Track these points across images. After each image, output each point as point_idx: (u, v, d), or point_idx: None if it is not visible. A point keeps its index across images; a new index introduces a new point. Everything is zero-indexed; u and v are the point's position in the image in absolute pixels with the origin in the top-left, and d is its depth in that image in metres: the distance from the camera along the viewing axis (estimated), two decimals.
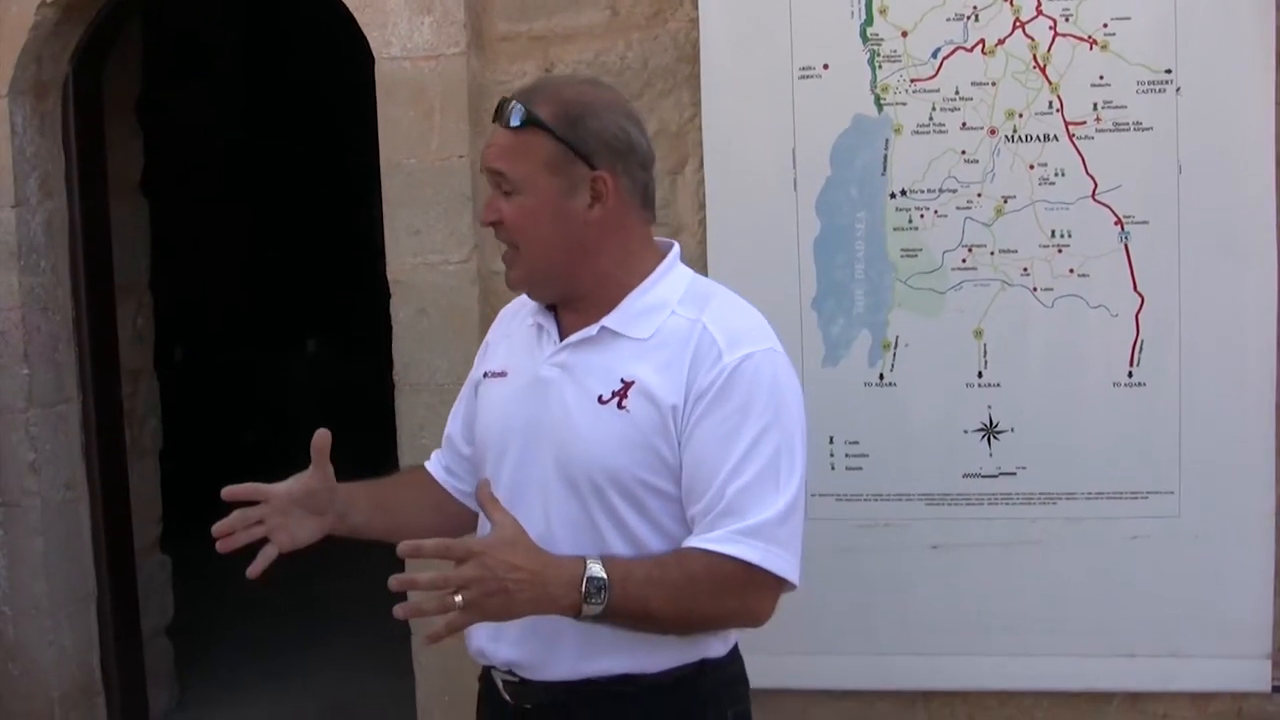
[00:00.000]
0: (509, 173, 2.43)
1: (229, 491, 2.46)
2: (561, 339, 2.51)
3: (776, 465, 2.36)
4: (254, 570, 2.48)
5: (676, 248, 2.59)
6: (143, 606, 5.30)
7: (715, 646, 2.50)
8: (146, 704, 5.28)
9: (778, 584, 2.38)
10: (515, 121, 2.42)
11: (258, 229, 10.59)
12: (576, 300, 2.50)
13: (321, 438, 2.50)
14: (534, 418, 2.46)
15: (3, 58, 4.51)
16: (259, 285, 10.63)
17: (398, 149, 4.11)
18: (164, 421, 5.83)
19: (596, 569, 2.24)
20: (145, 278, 5.68)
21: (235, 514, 2.49)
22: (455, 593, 2.14)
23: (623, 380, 2.40)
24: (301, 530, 2.54)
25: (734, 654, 2.57)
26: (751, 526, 2.31)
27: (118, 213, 5.23)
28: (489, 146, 2.47)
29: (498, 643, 2.49)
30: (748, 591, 2.36)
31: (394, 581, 2.17)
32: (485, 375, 2.65)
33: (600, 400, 2.40)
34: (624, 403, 2.38)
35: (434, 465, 2.85)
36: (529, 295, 2.55)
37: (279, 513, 2.51)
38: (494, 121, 2.47)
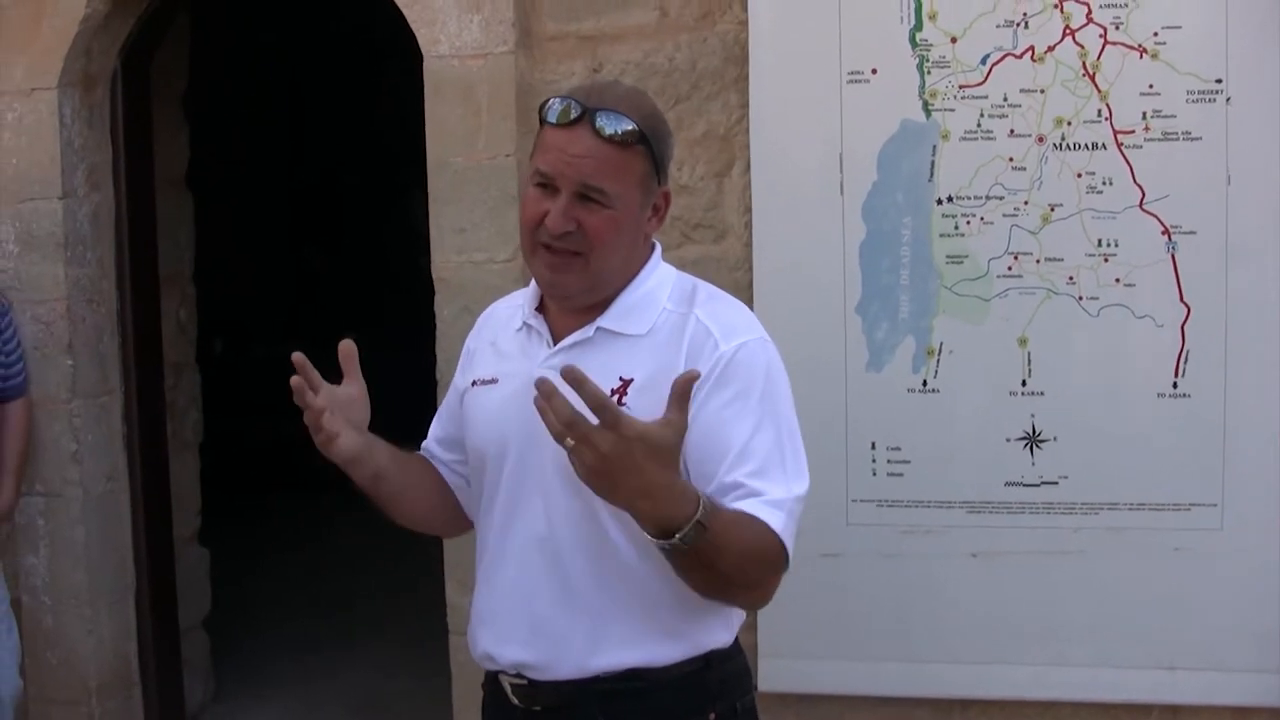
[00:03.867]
0: (610, 189, 2.39)
1: (300, 358, 2.43)
2: (555, 340, 2.50)
3: (782, 447, 2.39)
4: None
5: (658, 245, 2.59)
6: (180, 599, 5.32)
7: (721, 636, 2.51)
8: (182, 696, 5.30)
9: (785, 564, 2.37)
10: (625, 138, 2.38)
11: (299, 224, 10.62)
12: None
13: (346, 346, 2.47)
14: (531, 420, 2.37)
15: (53, 50, 4.54)
16: (299, 280, 10.66)
17: (444, 147, 4.11)
18: (203, 415, 5.85)
19: (702, 514, 2.18)
20: (189, 271, 5.71)
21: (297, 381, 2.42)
22: (571, 440, 2.10)
23: (621, 379, 2.41)
24: (346, 437, 2.47)
25: (737, 645, 2.57)
26: (778, 500, 2.33)
27: (163, 206, 5.26)
28: (580, 157, 2.37)
29: (505, 645, 2.49)
30: (775, 565, 2.36)
31: (541, 382, 2.11)
32: (474, 384, 2.62)
33: None
34: (623, 400, 2.38)
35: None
36: (563, 302, 2.50)
37: (329, 411, 2.45)
38: (566, 124, 2.38)
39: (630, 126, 2.39)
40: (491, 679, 2.60)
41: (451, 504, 2.77)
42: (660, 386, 2.36)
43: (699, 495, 2.23)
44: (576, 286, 2.45)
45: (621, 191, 2.40)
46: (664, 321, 2.46)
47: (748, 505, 2.31)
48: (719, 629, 2.51)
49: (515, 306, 2.65)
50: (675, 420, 2.16)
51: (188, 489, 5.62)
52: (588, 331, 2.46)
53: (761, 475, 2.35)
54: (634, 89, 2.63)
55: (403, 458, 2.69)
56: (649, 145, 2.42)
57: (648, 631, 2.42)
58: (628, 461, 2.12)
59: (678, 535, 2.17)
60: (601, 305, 2.48)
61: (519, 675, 2.49)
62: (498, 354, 2.60)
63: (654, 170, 2.45)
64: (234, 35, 8.32)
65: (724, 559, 2.26)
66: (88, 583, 4.70)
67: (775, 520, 2.32)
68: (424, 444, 2.82)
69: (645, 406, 2.37)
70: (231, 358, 8.91)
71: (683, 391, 2.15)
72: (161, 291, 5.22)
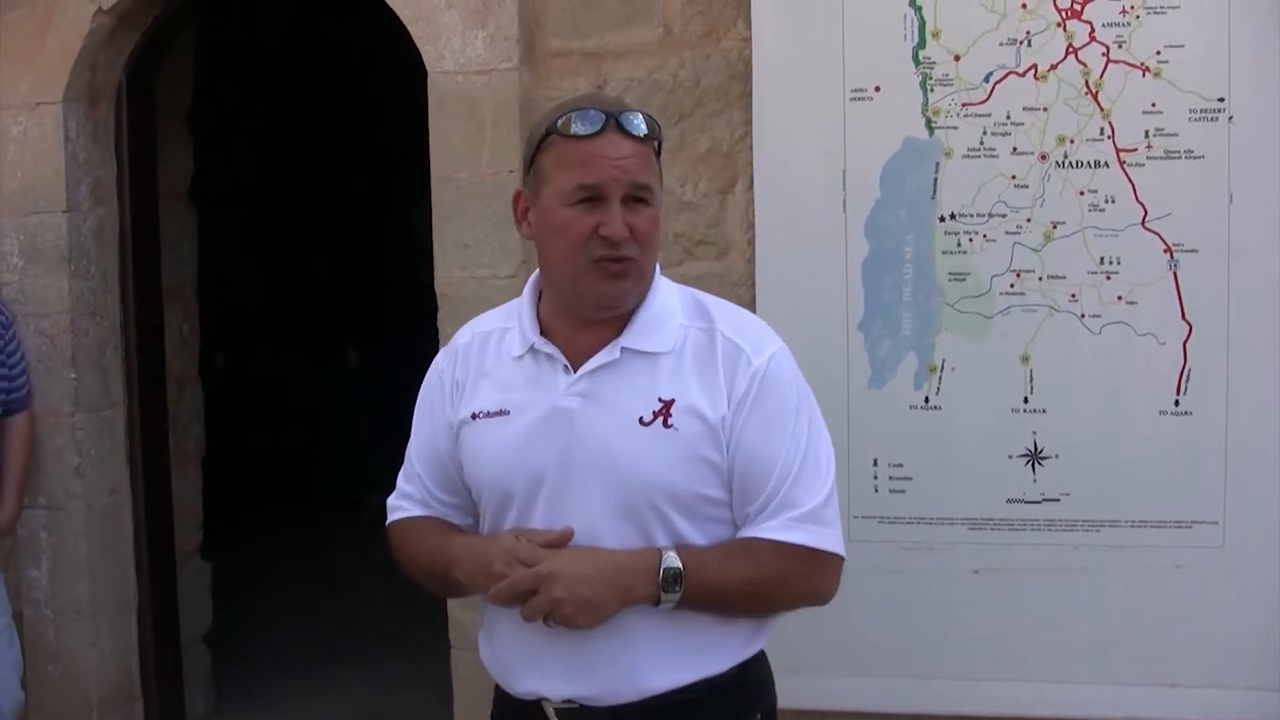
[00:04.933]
0: (653, 185, 2.42)
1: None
2: (574, 364, 2.46)
3: (816, 452, 2.45)
4: None
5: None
6: (182, 613, 5.32)
7: (758, 642, 2.54)
8: (184, 710, 5.31)
9: (836, 560, 2.45)
10: (648, 132, 2.41)
11: (302, 235, 10.62)
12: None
13: (566, 535, 2.41)
14: (565, 450, 2.42)
15: (58, 64, 4.55)
16: (301, 295, 10.66)
17: (448, 162, 4.12)
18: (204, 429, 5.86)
19: (673, 561, 2.33)
20: (192, 285, 5.72)
21: None
22: (546, 619, 2.30)
23: (661, 400, 2.40)
24: None
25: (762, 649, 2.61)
26: (805, 513, 2.39)
27: (166, 220, 5.26)
28: (626, 159, 2.37)
29: (551, 680, 2.46)
30: (813, 573, 2.44)
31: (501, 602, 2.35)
32: (474, 416, 2.53)
33: (642, 422, 2.40)
34: (669, 421, 2.39)
35: (422, 508, 2.70)
36: (610, 313, 2.45)
37: None
38: (594, 134, 2.36)
39: (646, 122, 2.42)
40: (523, 703, 2.54)
41: None
42: (707, 410, 2.38)
43: (656, 549, 2.36)
44: (634, 294, 2.45)
45: (656, 187, 2.43)
46: (687, 339, 2.46)
47: (771, 527, 2.39)
48: (756, 635, 2.54)
49: (499, 330, 2.60)
50: (552, 540, 2.36)
51: (189, 503, 5.61)
52: (613, 353, 2.44)
53: (796, 486, 2.40)
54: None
55: None
56: (659, 140, 2.47)
57: (698, 649, 2.44)
58: (580, 573, 2.31)
59: (666, 588, 2.33)
60: (615, 324, 2.46)
61: (567, 701, 2.47)
62: (498, 384, 2.53)
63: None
64: (238, 47, 8.33)
65: (732, 586, 2.37)
66: (90, 596, 4.71)
67: (800, 535, 2.39)
68: (405, 490, 2.71)
69: (693, 429, 2.39)
70: (229, 370, 8.92)
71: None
72: (164, 305, 5.23)
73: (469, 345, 2.63)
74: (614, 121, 2.38)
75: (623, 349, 2.44)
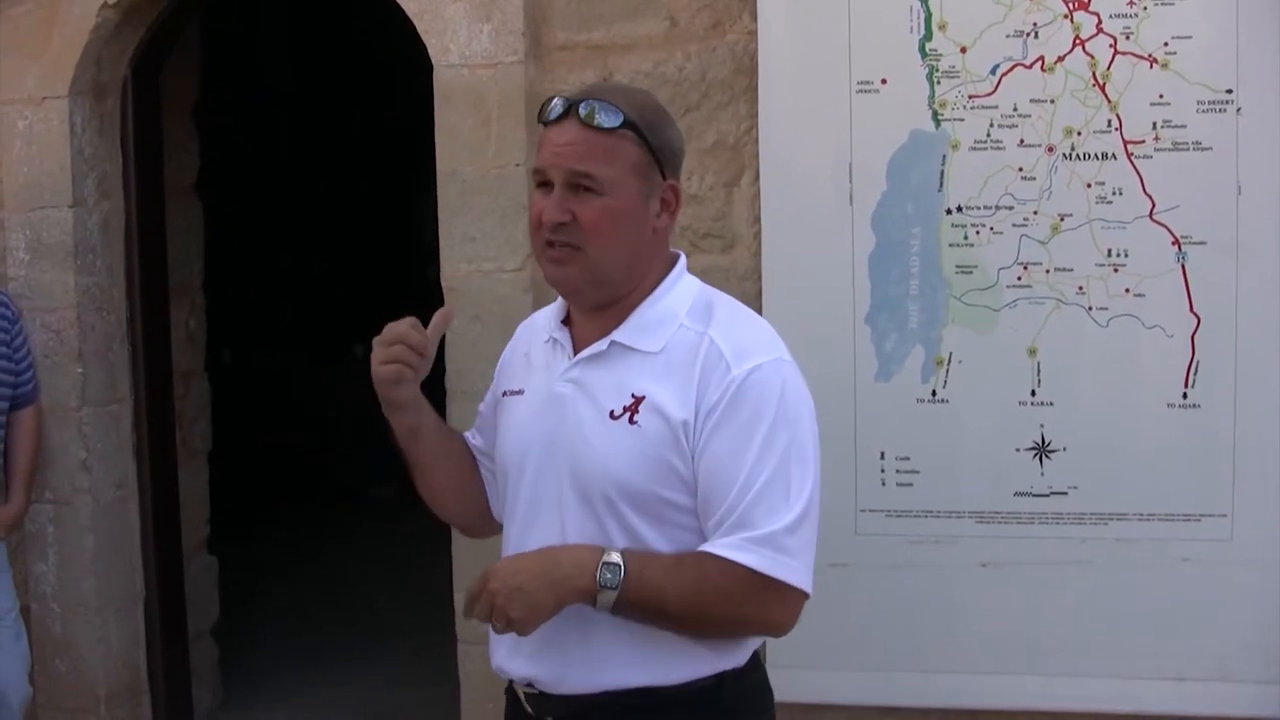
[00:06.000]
0: (598, 174, 2.39)
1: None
2: (576, 352, 2.50)
3: (787, 474, 2.36)
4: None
5: (683, 257, 2.58)
6: (189, 607, 5.32)
7: (735, 657, 2.48)
8: (190, 704, 5.31)
9: (794, 593, 2.36)
10: (609, 123, 2.40)
11: (305, 234, 10.62)
12: (603, 309, 2.48)
13: (444, 314, 2.58)
14: (550, 433, 2.46)
15: (64, 59, 4.55)
16: (306, 290, 10.66)
17: (454, 156, 4.12)
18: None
19: (613, 556, 2.30)
20: (198, 280, 5.72)
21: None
22: (489, 615, 2.30)
23: (633, 395, 2.40)
24: (413, 382, 2.57)
25: (755, 663, 2.55)
26: (762, 536, 2.31)
27: (172, 215, 5.27)
28: (566, 145, 2.39)
29: (515, 659, 2.49)
30: (764, 600, 2.35)
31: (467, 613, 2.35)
32: (505, 394, 2.64)
33: (612, 415, 2.40)
34: (635, 418, 2.38)
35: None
36: (573, 300, 2.51)
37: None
38: (554, 120, 2.42)
39: (613, 111, 2.40)
40: (509, 686, 2.61)
41: (479, 495, 2.78)
42: (671, 411, 2.37)
43: (600, 546, 2.34)
44: (579, 281, 2.44)
45: (614, 177, 2.40)
46: (679, 340, 2.43)
47: (723, 544, 2.33)
48: (731, 649, 2.47)
49: (546, 319, 2.67)
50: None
51: (196, 498, 5.62)
52: (602, 345, 2.45)
53: (756, 506, 2.33)
54: (636, 88, 2.64)
55: (445, 428, 2.75)
56: (638, 132, 2.42)
57: (656, 651, 2.40)
58: (516, 565, 2.36)
59: (603, 581, 2.29)
60: (618, 317, 2.47)
61: (530, 685, 2.50)
62: (528, 366, 2.61)
63: (652, 159, 2.44)
64: (243, 41, 8.33)
65: (672, 596, 2.32)
66: (97, 590, 4.71)
67: (750, 558, 2.31)
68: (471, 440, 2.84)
69: (656, 428, 2.38)
70: (235, 366, 8.92)
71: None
72: (171, 300, 5.23)
73: (526, 328, 2.74)
74: (574, 109, 2.40)
75: (611, 342, 2.45)
